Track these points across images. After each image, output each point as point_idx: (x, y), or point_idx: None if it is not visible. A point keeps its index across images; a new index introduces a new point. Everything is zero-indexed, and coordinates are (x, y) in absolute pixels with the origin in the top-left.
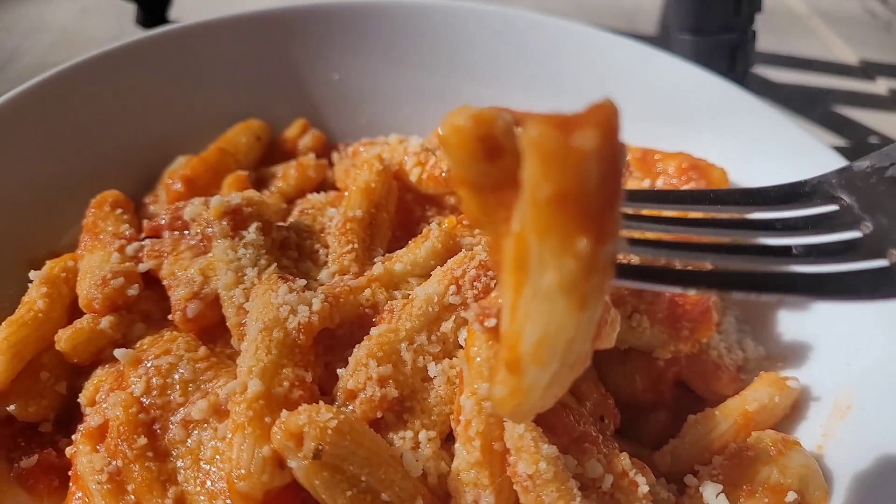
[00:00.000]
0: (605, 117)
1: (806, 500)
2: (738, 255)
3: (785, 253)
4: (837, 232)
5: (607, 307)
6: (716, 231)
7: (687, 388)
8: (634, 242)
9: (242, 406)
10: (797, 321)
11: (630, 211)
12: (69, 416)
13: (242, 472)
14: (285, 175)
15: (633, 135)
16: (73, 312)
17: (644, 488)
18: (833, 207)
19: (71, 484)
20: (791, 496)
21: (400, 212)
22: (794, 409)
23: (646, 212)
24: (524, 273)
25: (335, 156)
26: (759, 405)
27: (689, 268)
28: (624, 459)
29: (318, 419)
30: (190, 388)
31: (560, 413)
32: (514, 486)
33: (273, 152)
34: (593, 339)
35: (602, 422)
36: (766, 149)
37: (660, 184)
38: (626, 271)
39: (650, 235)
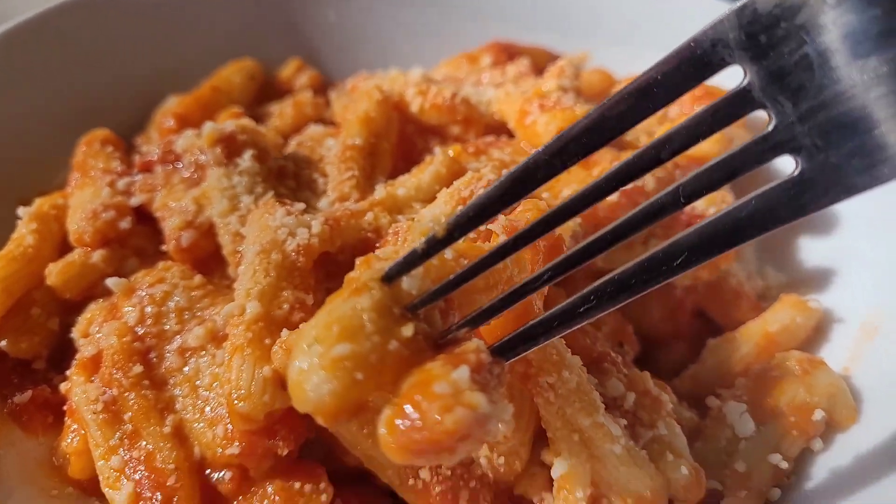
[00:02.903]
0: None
1: (833, 419)
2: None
3: (671, 205)
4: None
5: None
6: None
7: (706, 320)
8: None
9: (241, 328)
10: (820, 247)
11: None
12: (63, 355)
13: (243, 392)
14: (281, 114)
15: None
16: (64, 251)
17: (668, 406)
18: (731, 92)
19: (66, 418)
20: (818, 415)
21: (401, 144)
22: (818, 332)
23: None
24: None
25: (332, 95)
26: (781, 326)
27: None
28: (646, 378)
29: None
30: (186, 316)
31: (577, 335)
32: (536, 400)
33: (268, 93)
34: None
35: (621, 348)
36: None
37: (673, 112)
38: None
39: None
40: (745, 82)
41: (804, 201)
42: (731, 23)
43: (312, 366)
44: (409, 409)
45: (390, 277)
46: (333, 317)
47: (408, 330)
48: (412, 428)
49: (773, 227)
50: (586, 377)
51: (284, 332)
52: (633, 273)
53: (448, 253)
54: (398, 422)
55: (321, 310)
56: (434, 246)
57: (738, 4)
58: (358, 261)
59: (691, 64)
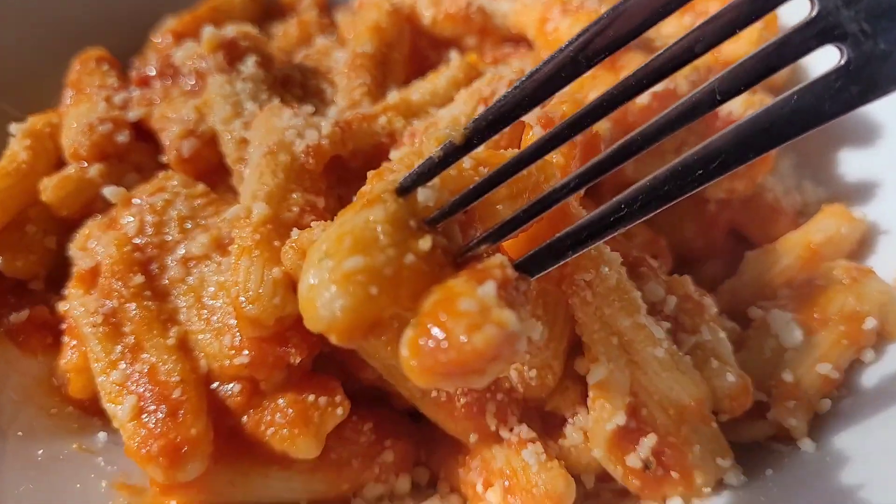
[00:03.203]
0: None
1: (886, 329)
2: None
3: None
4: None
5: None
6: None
7: (741, 239)
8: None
9: (248, 230)
10: (862, 158)
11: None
12: (61, 276)
13: (251, 294)
14: (285, 34)
15: None
16: (60, 170)
17: (713, 309)
18: None
19: (65, 336)
20: (869, 323)
21: (414, 58)
22: (863, 245)
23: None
24: None
25: (338, 15)
26: (825, 237)
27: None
28: (686, 282)
29: None
30: (188, 225)
31: (609, 242)
32: (571, 301)
33: (271, 14)
34: None
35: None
36: None
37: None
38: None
39: None
40: None
41: (851, 94)
42: None
43: (323, 281)
44: (433, 328)
45: (405, 189)
46: (345, 229)
47: (425, 243)
48: (437, 349)
49: (818, 123)
50: (626, 276)
51: (295, 231)
52: (666, 179)
53: (466, 162)
54: (422, 342)
55: (332, 224)
56: (451, 154)
57: None
58: (370, 174)
59: None
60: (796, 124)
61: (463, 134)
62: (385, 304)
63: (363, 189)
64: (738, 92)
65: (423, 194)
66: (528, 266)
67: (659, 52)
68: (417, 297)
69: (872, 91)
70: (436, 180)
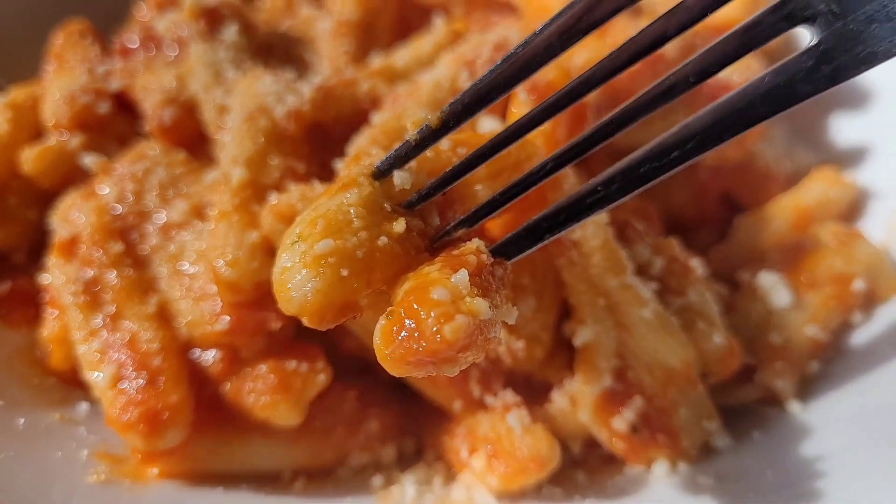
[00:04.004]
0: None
1: (874, 291)
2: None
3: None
4: None
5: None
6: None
7: (732, 205)
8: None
9: (227, 195)
10: (853, 123)
11: None
12: (43, 250)
13: (230, 258)
14: (272, 5)
15: None
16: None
17: (700, 270)
18: None
19: (46, 307)
20: (858, 285)
21: (399, 26)
22: (853, 209)
23: None
24: None
25: None
26: (815, 200)
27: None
28: (673, 244)
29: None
30: (168, 194)
31: None
32: (557, 262)
33: None
34: None
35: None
36: None
37: None
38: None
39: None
40: None
41: (822, 74)
42: None
43: (295, 263)
44: (405, 318)
45: (381, 172)
46: (319, 212)
47: (399, 225)
48: (409, 338)
49: (792, 104)
50: (613, 236)
51: (273, 195)
52: (642, 161)
53: (444, 143)
54: (395, 331)
55: (309, 189)
56: (428, 137)
57: None
58: (346, 159)
59: None
60: (770, 104)
61: (439, 117)
62: (357, 286)
63: (340, 174)
64: (711, 74)
65: (400, 177)
66: (505, 250)
67: (652, 22)
68: (393, 281)
69: (844, 71)
70: (412, 163)
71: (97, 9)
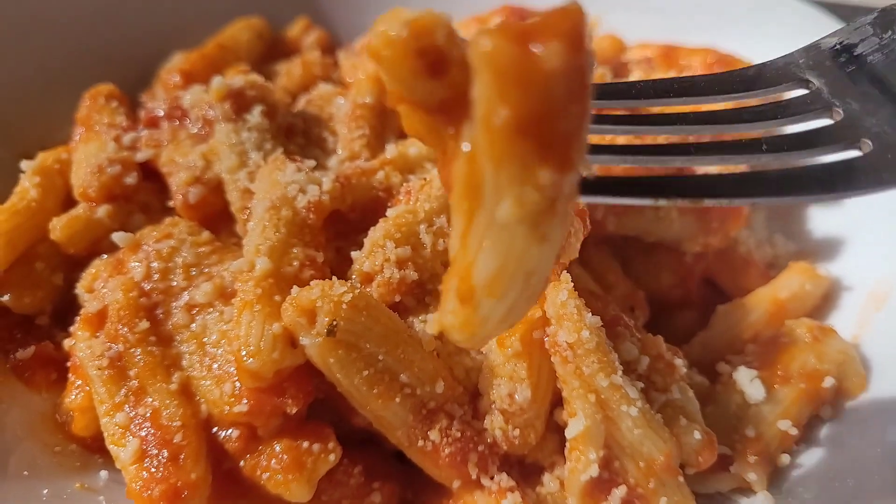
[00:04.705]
0: (571, 26)
1: (843, 387)
2: (707, 154)
3: (754, 148)
4: (808, 120)
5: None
6: (680, 129)
7: (715, 288)
8: (597, 149)
9: (250, 284)
10: (830, 217)
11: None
12: (67, 311)
13: (252, 348)
14: (289, 73)
15: (659, 29)
16: (68, 206)
17: (682, 370)
18: (802, 91)
19: (70, 374)
20: (828, 382)
21: None
22: (827, 300)
23: (607, 110)
24: (477, 200)
25: (341, 55)
26: (790, 293)
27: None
28: (659, 343)
29: (331, 293)
30: (193, 273)
31: (588, 299)
32: (553, 359)
33: (274, 52)
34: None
35: (632, 312)
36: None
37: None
38: (589, 186)
39: (617, 139)
40: (815, 87)
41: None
42: (801, 55)
43: None
44: None
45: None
46: None
47: None
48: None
49: (827, 198)
50: (605, 338)
51: (295, 289)
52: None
53: None
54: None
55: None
56: None
57: (805, 45)
58: (363, 252)
59: (765, 72)
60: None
61: None
62: None
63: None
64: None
65: None
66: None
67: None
68: None
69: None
70: None
71: (124, 70)
